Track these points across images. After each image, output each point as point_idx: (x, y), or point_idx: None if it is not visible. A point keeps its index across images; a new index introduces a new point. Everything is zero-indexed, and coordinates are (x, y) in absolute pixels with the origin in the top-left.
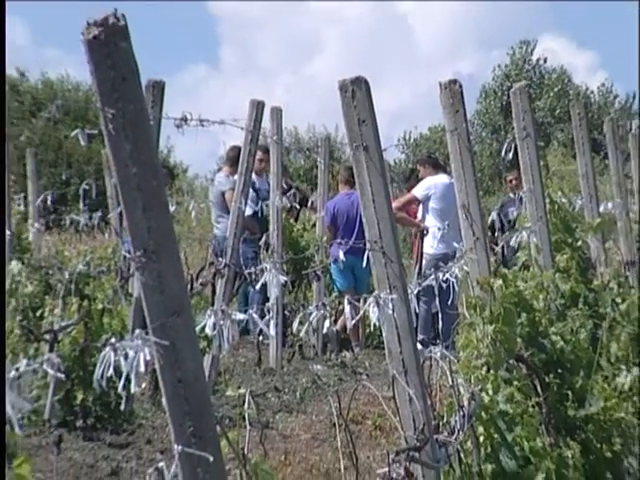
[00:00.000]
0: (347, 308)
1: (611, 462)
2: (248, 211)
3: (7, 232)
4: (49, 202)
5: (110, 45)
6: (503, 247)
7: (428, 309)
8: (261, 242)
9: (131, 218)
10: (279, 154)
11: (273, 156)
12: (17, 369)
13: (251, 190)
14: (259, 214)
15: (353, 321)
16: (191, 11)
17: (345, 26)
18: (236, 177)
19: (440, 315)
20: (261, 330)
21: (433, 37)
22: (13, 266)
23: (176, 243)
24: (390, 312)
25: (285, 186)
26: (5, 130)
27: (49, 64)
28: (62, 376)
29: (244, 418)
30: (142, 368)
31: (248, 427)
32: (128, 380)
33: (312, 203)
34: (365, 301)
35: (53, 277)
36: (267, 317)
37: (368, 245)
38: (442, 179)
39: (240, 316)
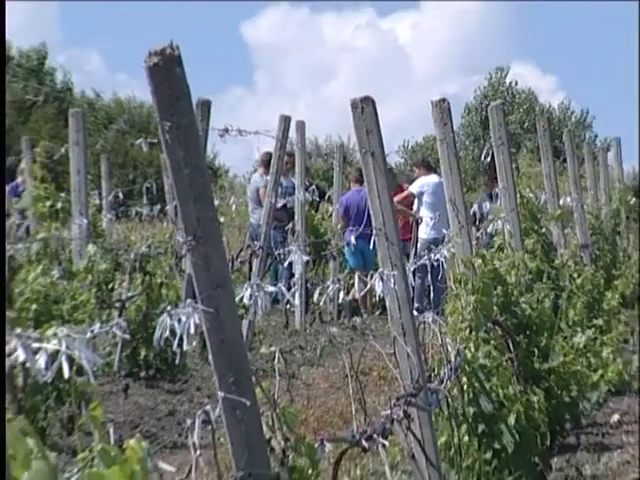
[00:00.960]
0: (357, 282)
1: (569, 406)
2: (278, 204)
3: (84, 220)
4: (119, 197)
5: (167, 71)
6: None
7: (422, 283)
8: (288, 228)
9: (184, 210)
10: (302, 158)
11: (297, 160)
12: (92, 331)
13: (279, 187)
14: (286, 206)
15: (362, 292)
16: (232, 43)
17: (355, 55)
18: (268, 177)
19: (432, 288)
20: (288, 300)
21: (425, 64)
22: (90, 248)
23: (219, 230)
24: (392, 285)
25: (307, 184)
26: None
27: (119, 86)
28: (128, 336)
29: (274, 370)
30: (192, 330)
31: (277, 377)
32: (181, 340)
33: (329, 197)
34: (372, 277)
35: (122, 257)
36: (293, 289)
37: (374, 231)
38: (433, 178)
39: (271, 288)
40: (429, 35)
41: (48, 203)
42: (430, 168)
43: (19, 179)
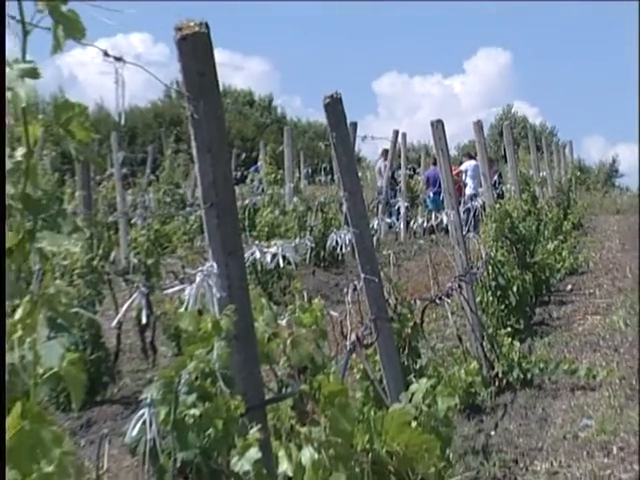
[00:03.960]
0: (433, 217)
1: (545, 281)
2: (391, 176)
3: (291, 185)
4: (309, 172)
5: (334, 106)
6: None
7: (467, 217)
8: (396, 189)
9: (342, 178)
10: (405, 152)
11: (402, 153)
12: (295, 242)
13: (392, 167)
14: (395, 177)
15: (436, 222)
16: (367, 92)
17: (431, 98)
18: (386, 162)
19: (473, 220)
20: (397, 225)
21: (468, 102)
22: (294, 199)
23: (361, 189)
24: (451, 218)
25: (407, 165)
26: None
27: (310, 115)
28: (314, 245)
29: (389, 262)
30: (347, 241)
31: (392, 266)
32: (342, 246)
33: (418, 173)
34: (441, 214)
35: (310, 203)
36: (399, 220)
37: (442, 190)
38: (473, 162)
39: (388, 220)
40: (470, 87)
41: (272, 175)
42: (471, 157)
43: (259, 163)
